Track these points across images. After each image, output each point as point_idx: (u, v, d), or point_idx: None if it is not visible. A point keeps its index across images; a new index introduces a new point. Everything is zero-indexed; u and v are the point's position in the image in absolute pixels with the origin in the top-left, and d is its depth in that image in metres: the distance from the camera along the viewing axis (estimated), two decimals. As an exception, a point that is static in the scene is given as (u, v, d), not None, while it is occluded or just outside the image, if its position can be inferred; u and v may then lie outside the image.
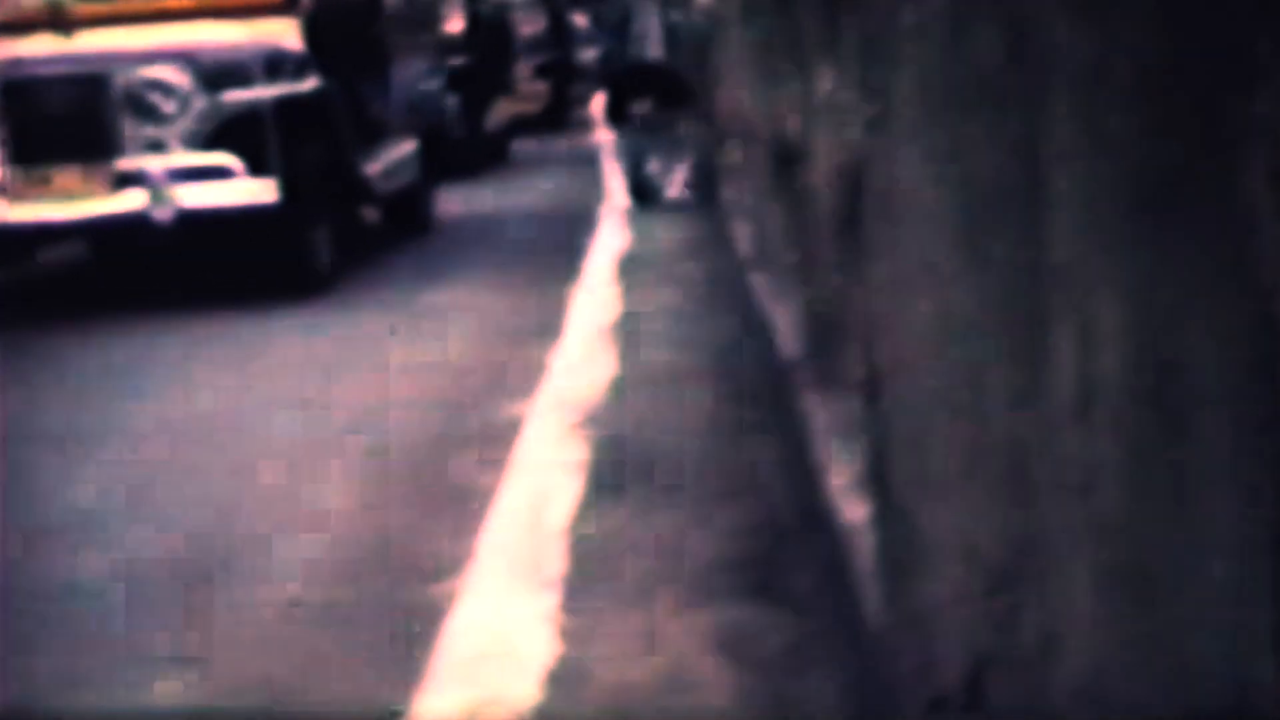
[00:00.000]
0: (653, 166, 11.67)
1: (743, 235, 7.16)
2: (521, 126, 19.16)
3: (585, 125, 20.61)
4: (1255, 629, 1.62)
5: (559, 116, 21.18)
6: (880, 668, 2.30)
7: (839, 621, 2.87)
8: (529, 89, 20.08)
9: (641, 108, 11.76)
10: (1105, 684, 1.80)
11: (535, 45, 21.03)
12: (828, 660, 2.89)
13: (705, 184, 11.02)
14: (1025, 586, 1.86)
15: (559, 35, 22.50)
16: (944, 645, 1.97)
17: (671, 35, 16.26)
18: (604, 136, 12.97)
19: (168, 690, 3.13)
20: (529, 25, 21.18)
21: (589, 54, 24.73)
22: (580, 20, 26.31)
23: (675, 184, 11.48)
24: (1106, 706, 1.80)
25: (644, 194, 11.41)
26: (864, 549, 2.59)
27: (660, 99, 11.72)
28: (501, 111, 17.31)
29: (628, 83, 12.26)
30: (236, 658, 3.27)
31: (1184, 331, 1.64)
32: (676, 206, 11.11)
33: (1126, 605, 1.74)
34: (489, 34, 17.01)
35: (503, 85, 17.56)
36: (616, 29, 24.76)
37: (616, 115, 12.11)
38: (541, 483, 4.31)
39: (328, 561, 3.87)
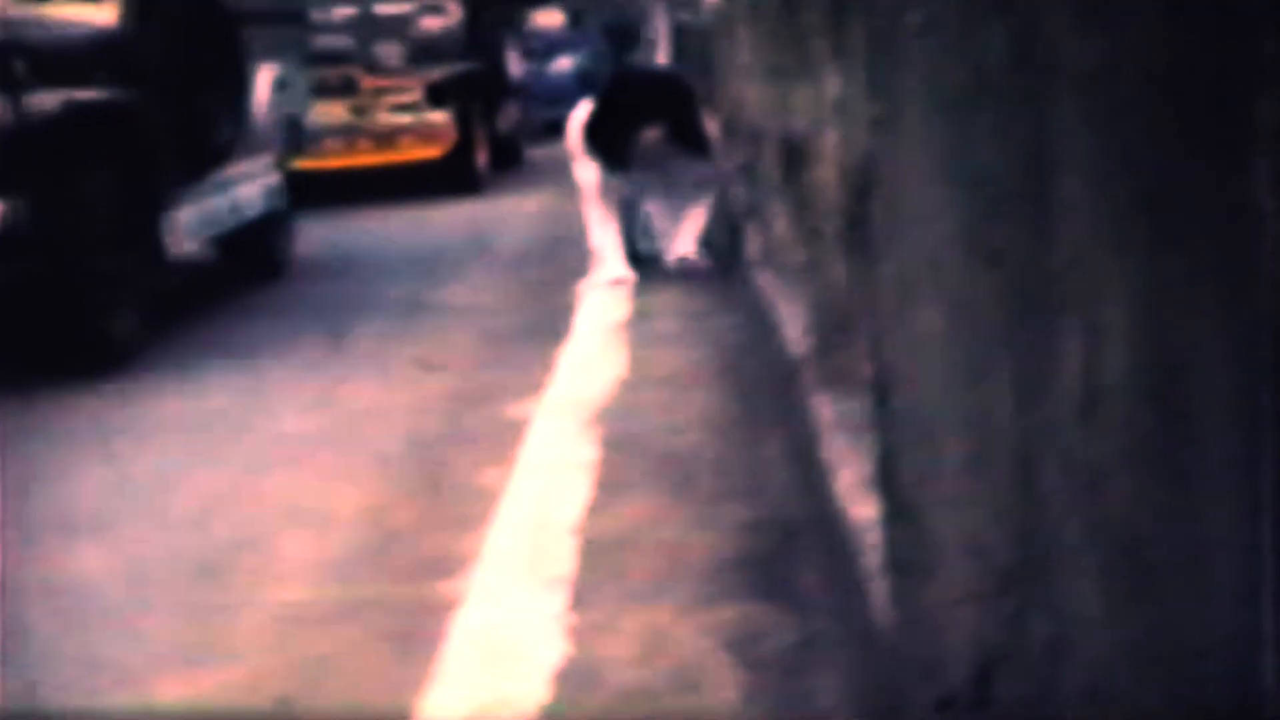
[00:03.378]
0: (653, 216, 8.13)
1: (751, 235, 7.16)
2: (402, 184, 12.54)
3: (541, 176, 13.07)
4: (1261, 628, 1.62)
5: (472, 166, 13.05)
6: (887, 667, 2.30)
7: (846, 620, 2.87)
8: (413, 124, 12.74)
9: (645, 137, 7.76)
10: (1112, 683, 1.80)
11: (432, 50, 13.59)
12: (835, 659, 2.89)
13: (728, 241, 7.94)
14: (1033, 586, 1.86)
15: (478, 36, 14.48)
16: (951, 644, 1.97)
17: (679, 36, 15.85)
18: (583, 188, 7.92)
19: (168, 690, 3.13)
20: (428, 18, 13.99)
21: (562, 66, 17.79)
22: (549, 20, 19.48)
23: (684, 243, 7.97)
24: (1113, 705, 1.80)
25: (643, 258, 7.97)
26: (871, 548, 2.59)
27: (668, 124, 7.77)
28: (212, 204, 7.84)
29: (623, 97, 7.99)
30: (240, 657, 3.27)
31: (1190, 332, 1.64)
32: (686, 275, 7.75)
33: (1133, 605, 1.74)
34: (168, 31, 7.59)
35: (201, 137, 7.76)
36: (614, 32, 21.12)
37: (602, 144, 7.79)
38: (549, 482, 4.31)
39: (334, 560, 3.87)
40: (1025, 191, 1.80)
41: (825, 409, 3.77)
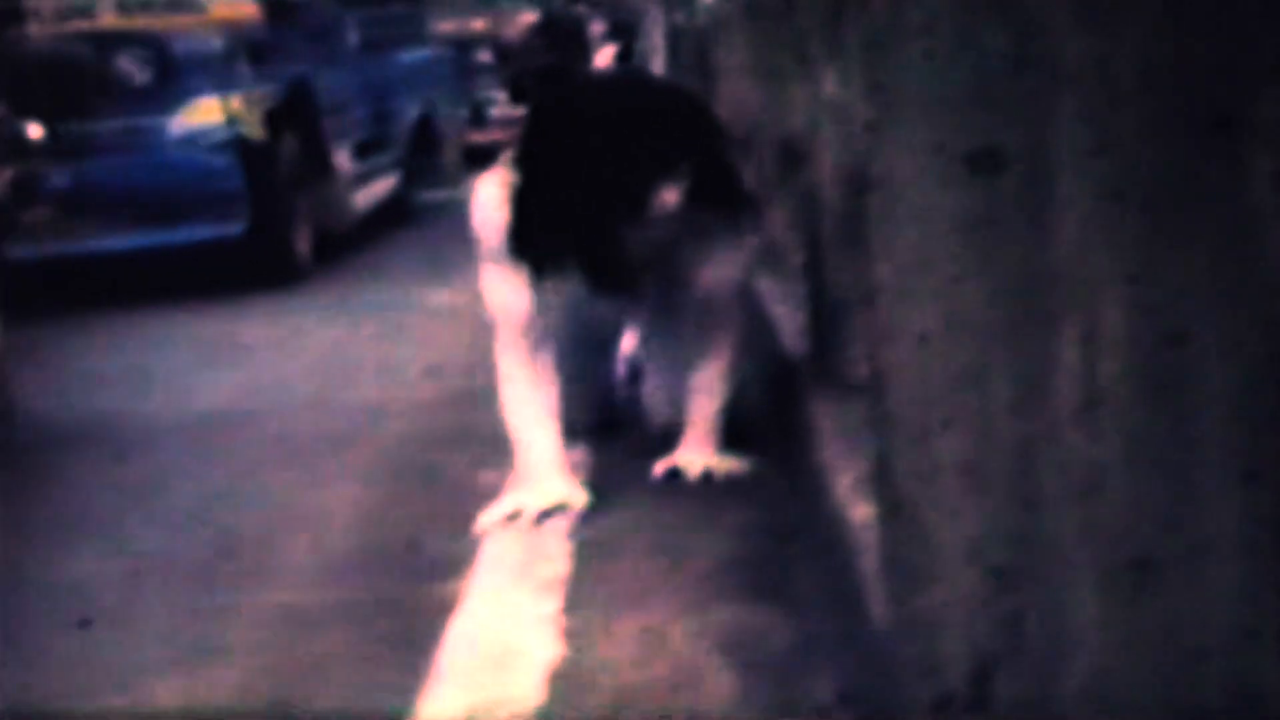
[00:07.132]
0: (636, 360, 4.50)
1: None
2: None
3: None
4: (1259, 628, 1.62)
5: None
6: (885, 667, 2.30)
7: (843, 621, 2.86)
8: None
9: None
10: (1110, 683, 1.80)
11: None
12: (832, 660, 2.88)
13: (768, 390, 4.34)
14: (1031, 587, 1.86)
15: None
16: (949, 645, 1.97)
17: (674, 40, 15.54)
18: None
19: (167, 691, 3.12)
20: None
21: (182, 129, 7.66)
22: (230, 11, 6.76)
23: (694, 450, 4.11)
24: (1112, 706, 1.79)
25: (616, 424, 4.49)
26: (868, 549, 2.59)
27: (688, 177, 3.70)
28: None
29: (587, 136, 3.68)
30: (237, 658, 3.26)
31: (1188, 333, 1.64)
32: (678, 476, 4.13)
33: (1132, 605, 1.74)
34: None
35: None
36: (553, 35, 14.42)
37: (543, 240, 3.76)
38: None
39: (328, 561, 3.86)
40: (1023, 191, 1.80)
41: (821, 410, 3.76)
